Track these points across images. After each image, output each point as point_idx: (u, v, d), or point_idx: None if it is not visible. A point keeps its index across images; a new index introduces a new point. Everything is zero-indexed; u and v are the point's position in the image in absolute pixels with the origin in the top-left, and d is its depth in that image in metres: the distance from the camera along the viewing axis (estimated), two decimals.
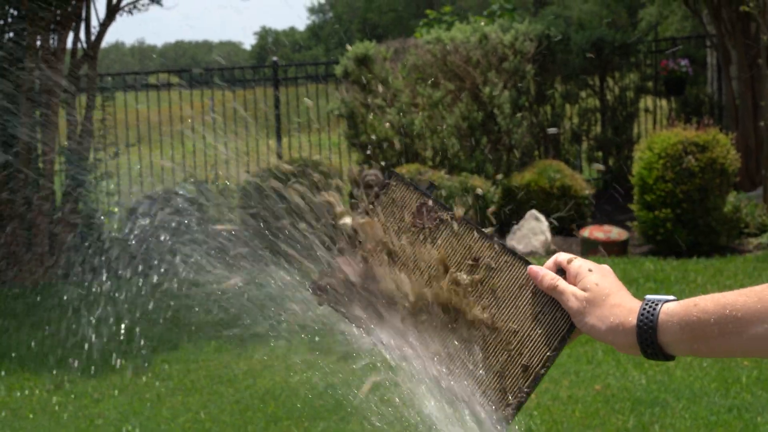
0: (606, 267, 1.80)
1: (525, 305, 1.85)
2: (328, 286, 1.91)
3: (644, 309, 1.67)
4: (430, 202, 1.94)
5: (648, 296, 1.70)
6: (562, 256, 1.84)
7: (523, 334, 1.83)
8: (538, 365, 1.81)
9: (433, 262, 1.89)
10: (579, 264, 1.80)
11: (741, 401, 6.36)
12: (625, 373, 7.01)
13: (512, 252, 1.89)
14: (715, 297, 1.61)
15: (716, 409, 6.24)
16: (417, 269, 1.90)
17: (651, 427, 6.04)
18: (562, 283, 1.79)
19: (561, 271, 1.83)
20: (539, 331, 1.82)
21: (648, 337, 1.66)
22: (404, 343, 1.84)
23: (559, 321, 1.81)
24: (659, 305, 1.66)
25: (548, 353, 1.81)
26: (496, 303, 1.86)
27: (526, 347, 1.82)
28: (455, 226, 1.91)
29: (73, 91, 12.13)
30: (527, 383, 1.81)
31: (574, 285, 1.78)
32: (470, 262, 1.89)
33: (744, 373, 6.87)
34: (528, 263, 1.86)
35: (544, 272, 1.82)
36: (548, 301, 1.83)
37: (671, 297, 1.68)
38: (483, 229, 1.91)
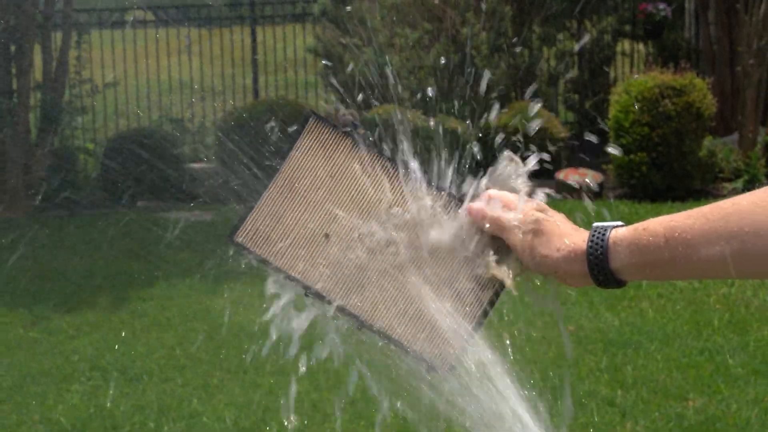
0: (541, 202, 1.64)
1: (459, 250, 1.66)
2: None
3: (593, 235, 1.55)
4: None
5: (596, 223, 1.58)
6: (495, 192, 1.65)
7: (459, 285, 1.65)
8: (474, 314, 1.65)
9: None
10: (517, 197, 1.63)
11: (712, 344, 6.42)
12: (598, 314, 7.06)
13: (443, 190, 1.69)
14: (664, 220, 1.52)
15: (688, 351, 6.31)
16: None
17: (623, 368, 6.10)
18: (505, 218, 1.62)
19: None
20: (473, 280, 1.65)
21: (598, 263, 1.54)
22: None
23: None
24: (608, 230, 1.55)
25: (485, 302, 1.65)
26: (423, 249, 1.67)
27: (463, 297, 1.65)
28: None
29: (48, 27, 12.03)
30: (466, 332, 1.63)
31: None
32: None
33: (716, 316, 6.93)
34: (461, 201, 1.68)
35: (483, 209, 1.64)
36: (486, 242, 1.65)
37: (619, 222, 1.57)
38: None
